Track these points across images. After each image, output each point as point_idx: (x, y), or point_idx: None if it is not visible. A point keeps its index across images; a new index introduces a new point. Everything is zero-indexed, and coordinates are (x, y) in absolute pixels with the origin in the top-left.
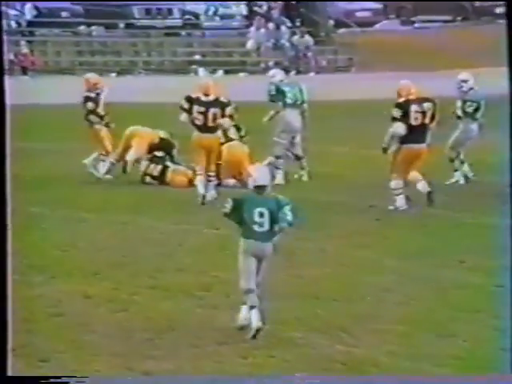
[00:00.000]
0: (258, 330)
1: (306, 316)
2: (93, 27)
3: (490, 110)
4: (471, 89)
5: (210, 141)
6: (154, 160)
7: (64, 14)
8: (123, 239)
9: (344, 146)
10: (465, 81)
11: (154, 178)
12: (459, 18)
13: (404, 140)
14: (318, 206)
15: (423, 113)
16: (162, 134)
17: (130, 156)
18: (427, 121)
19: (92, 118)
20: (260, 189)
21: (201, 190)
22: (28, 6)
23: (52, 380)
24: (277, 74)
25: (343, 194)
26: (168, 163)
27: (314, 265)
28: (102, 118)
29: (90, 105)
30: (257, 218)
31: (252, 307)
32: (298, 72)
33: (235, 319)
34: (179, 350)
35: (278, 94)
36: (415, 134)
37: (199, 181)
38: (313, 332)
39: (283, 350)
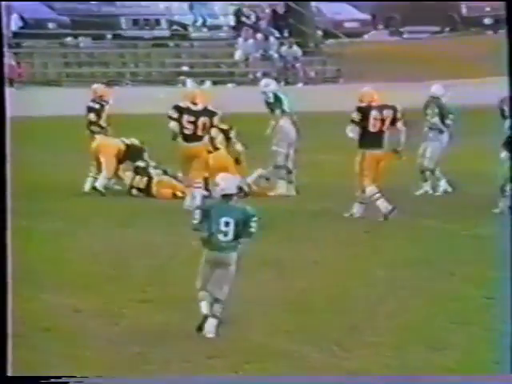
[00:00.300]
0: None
1: (297, 329)
2: (80, 38)
3: (468, 119)
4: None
5: (197, 149)
6: (138, 172)
7: (51, 25)
8: (113, 252)
9: (333, 156)
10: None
11: (140, 190)
12: (447, 29)
13: (364, 145)
14: (307, 217)
15: (382, 120)
16: (128, 140)
17: (99, 183)
18: (385, 128)
19: (93, 128)
20: (227, 197)
21: (189, 203)
22: (14, 16)
23: (52, 380)
24: (270, 84)
25: (332, 203)
26: (152, 173)
27: (305, 276)
28: (103, 128)
29: (92, 116)
30: (222, 227)
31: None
32: (287, 83)
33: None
34: (170, 363)
35: (276, 102)
36: (373, 139)
37: (188, 194)
38: (304, 345)
39: (274, 363)
